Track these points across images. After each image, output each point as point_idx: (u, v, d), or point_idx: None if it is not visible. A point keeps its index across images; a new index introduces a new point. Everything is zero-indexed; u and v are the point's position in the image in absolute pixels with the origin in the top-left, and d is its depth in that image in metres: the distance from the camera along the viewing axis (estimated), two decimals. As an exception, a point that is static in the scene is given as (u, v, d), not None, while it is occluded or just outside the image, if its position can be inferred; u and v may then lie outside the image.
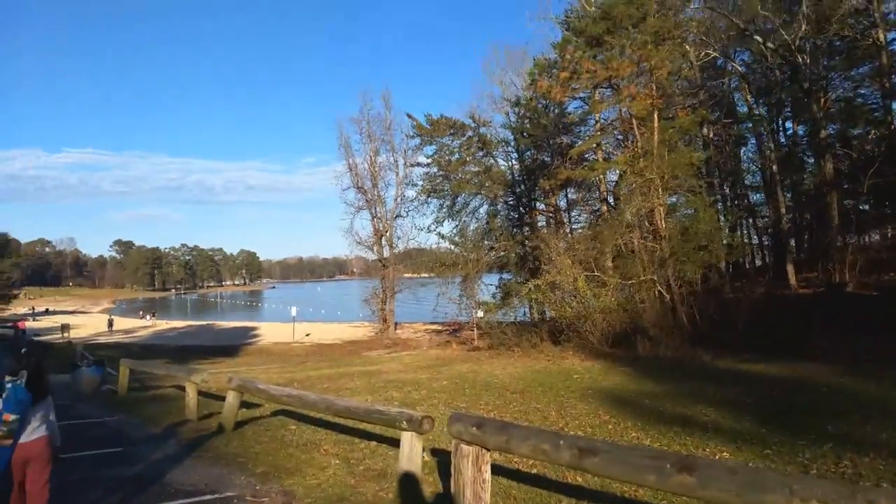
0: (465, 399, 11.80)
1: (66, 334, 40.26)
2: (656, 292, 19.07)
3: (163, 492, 5.72)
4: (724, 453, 6.94)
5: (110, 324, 53.72)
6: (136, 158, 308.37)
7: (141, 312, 72.21)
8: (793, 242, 27.69)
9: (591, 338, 18.07)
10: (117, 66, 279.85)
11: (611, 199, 24.38)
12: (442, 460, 5.95)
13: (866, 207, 23.51)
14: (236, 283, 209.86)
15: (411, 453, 4.72)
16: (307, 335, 40.18)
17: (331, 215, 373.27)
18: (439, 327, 37.24)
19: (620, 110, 24.09)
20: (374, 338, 36.85)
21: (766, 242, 32.39)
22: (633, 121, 20.38)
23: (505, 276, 31.06)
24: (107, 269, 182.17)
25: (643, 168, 19.37)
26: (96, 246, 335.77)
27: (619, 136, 25.34)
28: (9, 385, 4.37)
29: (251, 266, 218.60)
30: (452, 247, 31.61)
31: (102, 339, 40.95)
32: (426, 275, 45.12)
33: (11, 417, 4.24)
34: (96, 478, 6.33)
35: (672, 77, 21.38)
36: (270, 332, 44.62)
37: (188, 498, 5.45)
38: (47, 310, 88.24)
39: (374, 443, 7.55)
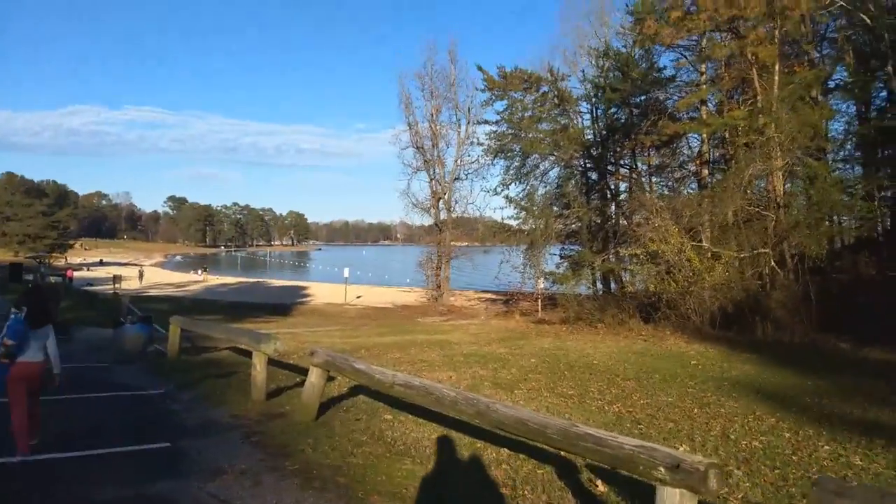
0: (568, 385, 9.80)
1: (117, 285, 39.70)
2: (770, 268, 16.57)
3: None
4: None
5: (141, 275, 52.78)
6: (193, 118, 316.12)
7: (193, 270, 72.49)
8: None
9: (694, 317, 15.80)
10: (179, 29, 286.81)
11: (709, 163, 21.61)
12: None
13: None
14: (284, 242, 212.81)
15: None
16: (358, 297, 38.88)
17: (378, 181, 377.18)
18: (493, 296, 35.41)
19: (724, 64, 21.10)
20: (427, 304, 35.17)
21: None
22: (754, 70, 17.54)
23: (570, 246, 28.72)
24: (160, 223, 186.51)
25: (764, 125, 16.66)
26: (150, 201, 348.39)
27: (720, 92, 22.45)
28: (12, 316, 5.48)
29: (299, 227, 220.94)
30: (517, 211, 29.34)
31: (153, 293, 40.57)
32: (477, 244, 43.35)
33: (9, 342, 5.23)
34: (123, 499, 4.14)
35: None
36: (320, 292, 43.53)
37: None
38: (101, 261, 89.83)
39: (504, 450, 5.57)
